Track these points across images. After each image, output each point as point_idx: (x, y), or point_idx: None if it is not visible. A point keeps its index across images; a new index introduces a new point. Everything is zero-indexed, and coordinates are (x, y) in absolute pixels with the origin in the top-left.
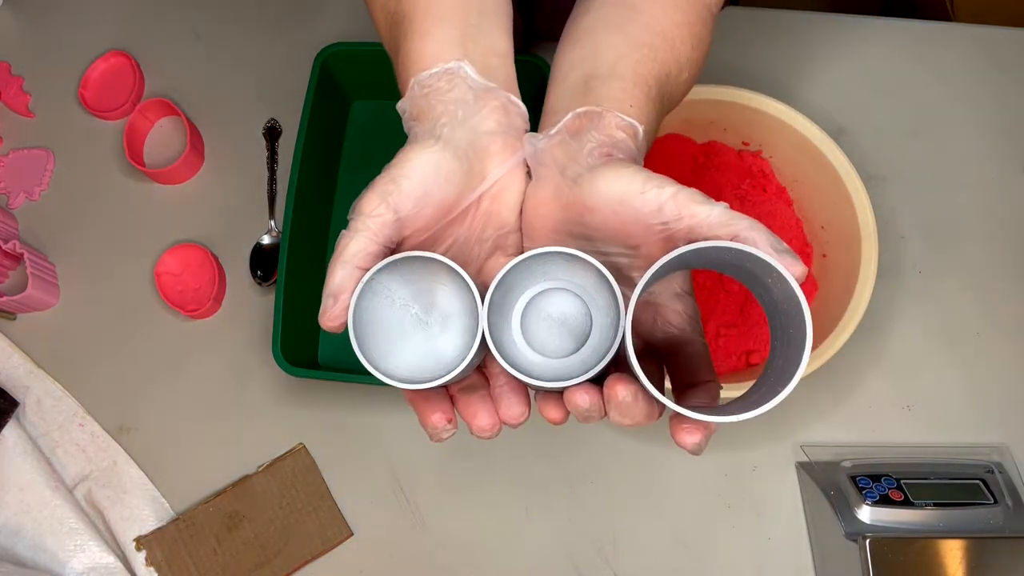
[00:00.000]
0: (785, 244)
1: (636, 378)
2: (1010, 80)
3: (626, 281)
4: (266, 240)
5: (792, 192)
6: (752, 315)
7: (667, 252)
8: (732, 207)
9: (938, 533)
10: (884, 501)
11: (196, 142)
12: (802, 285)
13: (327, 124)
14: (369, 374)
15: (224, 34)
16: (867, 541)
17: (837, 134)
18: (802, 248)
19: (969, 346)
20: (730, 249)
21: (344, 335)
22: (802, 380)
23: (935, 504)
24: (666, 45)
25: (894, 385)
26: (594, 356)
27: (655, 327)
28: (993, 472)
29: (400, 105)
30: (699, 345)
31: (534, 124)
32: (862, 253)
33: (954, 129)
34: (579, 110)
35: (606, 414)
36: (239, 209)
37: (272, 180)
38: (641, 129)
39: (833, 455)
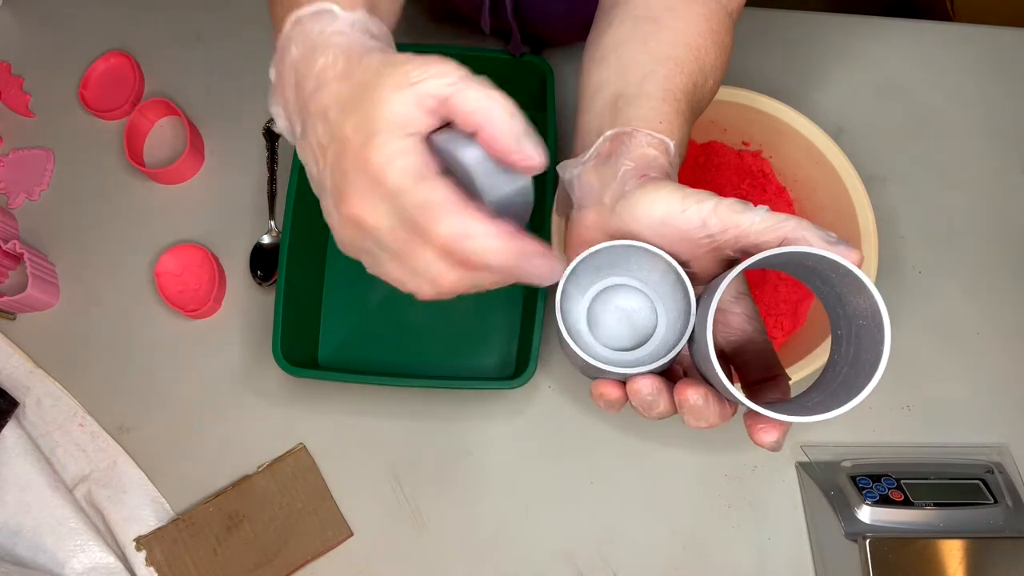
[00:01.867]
0: (835, 235)
1: (706, 380)
2: (1010, 80)
3: None
4: (266, 240)
5: (792, 192)
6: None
7: (716, 262)
8: None
9: (938, 533)
10: (884, 501)
11: (196, 142)
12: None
13: None
14: (369, 374)
15: (224, 34)
16: (867, 541)
17: (837, 134)
18: None
19: (969, 346)
20: (812, 255)
21: (344, 334)
22: (802, 380)
23: (935, 504)
24: (691, 56)
25: (894, 385)
26: (661, 349)
27: (718, 330)
28: (993, 472)
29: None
30: (763, 342)
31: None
32: (862, 253)
33: (954, 129)
34: (608, 133)
35: (673, 410)
36: (239, 209)
37: (272, 180)
38: (672, 144)
39: (833, 455)
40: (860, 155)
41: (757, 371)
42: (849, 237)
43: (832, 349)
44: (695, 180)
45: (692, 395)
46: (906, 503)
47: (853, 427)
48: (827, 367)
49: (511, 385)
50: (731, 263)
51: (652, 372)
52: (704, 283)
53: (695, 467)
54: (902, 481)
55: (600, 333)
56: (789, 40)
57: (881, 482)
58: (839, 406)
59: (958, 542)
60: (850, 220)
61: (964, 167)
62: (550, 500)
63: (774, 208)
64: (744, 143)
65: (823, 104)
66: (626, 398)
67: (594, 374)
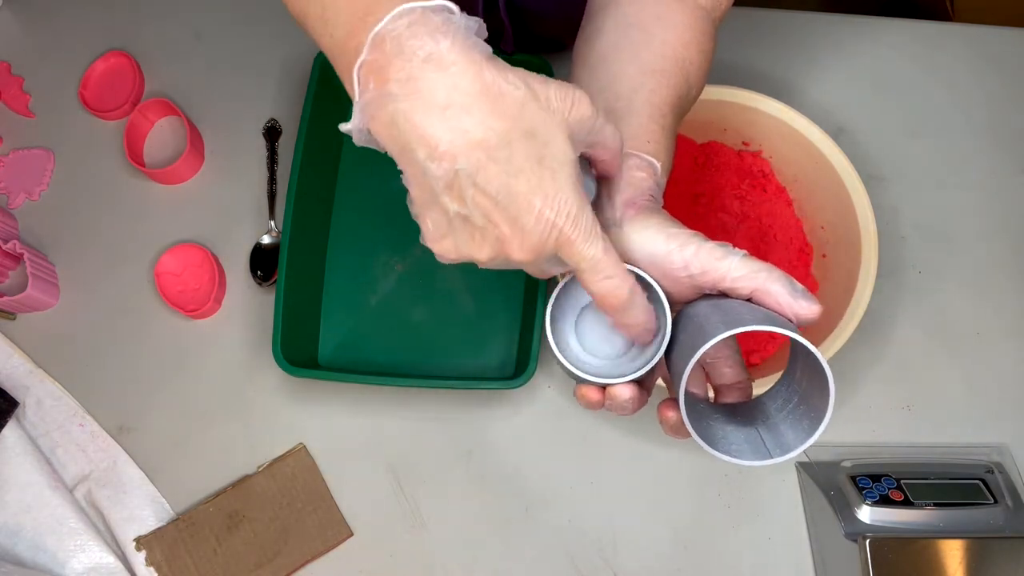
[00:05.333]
0: (801, 287)
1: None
2: (1010, 80)
3: None
4: (266, 240)
5: (792, 192)
6: None
7: (694, 292)
8: (732, 207)
9: (938, 533)
10: (884, 501)
11: (196, 142)
12: (803, 284)
13: (327, 124)
14: (369, 374)
15: (224, 34)
16: (867, 541)
17: (837, 134)
18: (802, 248)
19: (969, 346)
20: (768, 329)
21: (344, 334)
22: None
23: (935, 504)
24: (677, 69)
25: (894, 385)
26: (637, 357)
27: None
28: (993, 472)
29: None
30: (734, 356)
31: None
32: (862, 253)
33: (954, 129)
34: None
35: (640, 407)
36: (239, 209)
37: (272, 180)
38: (659, 165)
39: (833, 455)
40: (860, 155)
41: (727, 377)
42: (849, 237)
43: (787, 373)
44: (695, 180)
45: (672, 415)
46: (906, 503)
47: (853, 427)
48: (780, 384)
49: (511, 385)
50: (708, 293)
51: (630, 381)
52: (681, 304)
53: (695, 467)
54: (902, 481)
55: (587, 341)
56: (789, 40)
57: (881, 482)
58: (788, 441)
59: (958, 542)
60: (850, 220)
61: (964, 167)
62: (550, 500)
63: (774, 208)
64: (744, 143)
65: (823, 104)
66: (603, 399)
67: (578, 380)
